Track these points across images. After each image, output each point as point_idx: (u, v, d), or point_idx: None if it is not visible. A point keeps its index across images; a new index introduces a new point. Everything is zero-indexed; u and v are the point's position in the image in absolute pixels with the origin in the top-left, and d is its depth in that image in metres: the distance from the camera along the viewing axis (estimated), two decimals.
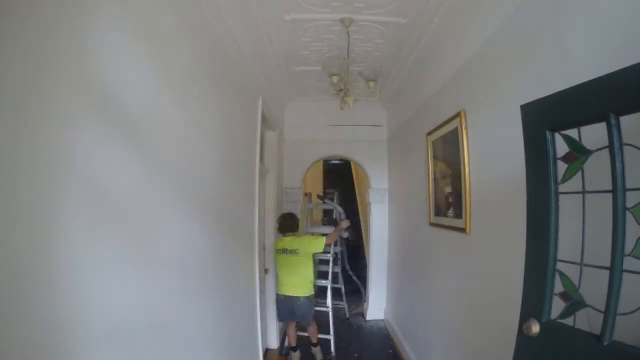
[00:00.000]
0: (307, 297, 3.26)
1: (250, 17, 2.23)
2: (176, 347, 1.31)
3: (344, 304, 4.73)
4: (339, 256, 4.41)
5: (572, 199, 1.12)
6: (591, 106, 1.02)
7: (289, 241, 3.29)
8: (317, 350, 3.49)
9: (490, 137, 1.91)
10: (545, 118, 1.19)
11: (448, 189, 2.47)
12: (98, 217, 0.88)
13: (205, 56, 1.68)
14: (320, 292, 3.81)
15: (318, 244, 3.25)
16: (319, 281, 3.80)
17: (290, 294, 3.24)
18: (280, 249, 3.30)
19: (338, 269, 4.86)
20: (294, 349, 3.44)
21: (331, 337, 3.60)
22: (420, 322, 3.14)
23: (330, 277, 3.87)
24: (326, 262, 4.08)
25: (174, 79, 1.34)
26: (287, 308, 3.31)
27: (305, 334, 3.55)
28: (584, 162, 1.08)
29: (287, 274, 3.25)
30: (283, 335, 3.96)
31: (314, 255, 3.34)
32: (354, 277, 5.13)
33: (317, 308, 3.60)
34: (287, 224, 3.38)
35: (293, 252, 3.22)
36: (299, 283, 3.24)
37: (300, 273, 3.23)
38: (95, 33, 0.88)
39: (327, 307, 3.70)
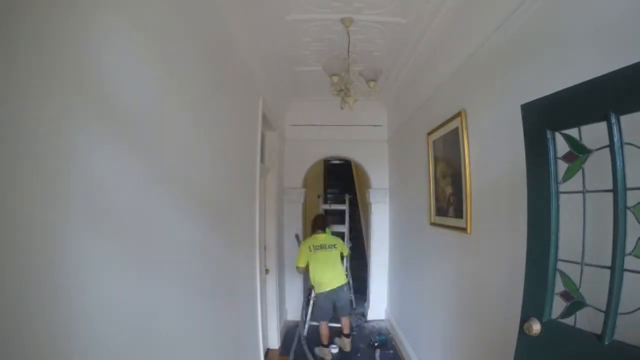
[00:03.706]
0: (347, 284, 3.55)
1: (250, 17, 2.23)
2: (177, 347, 1.31)
3: None
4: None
5: (573, 198, 1.12)
6: (591, 105, 1.02)
7: (325, 237, 3.56)
8: (348, 342, 3.63)
9: (490, 137, 1.91)
10: (545, 117, 1.19)
11: (449, 189, 2.46)
12: (98, 217, 0.88)
13: (206, 56, 1.68)
14: None
15: (346, 249, 3.76)
16: None
17: (334, 287, 3.39)
18: (317, 245, 3.48)
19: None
20: (326, 345, 3.52)
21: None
22: (421, 322, 3.14)
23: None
24: None
25: (174, 79, 1.34)
26: (329, 303, 3.45)
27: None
28: (584, 162, 1.08)
29: (329, 268, 3.42)
30: (285, 334, 3.97)
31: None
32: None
33: None
34: (322, 222, 3.71)
35: (332, 247, 3.52)
36: (341, 273, 3.49)
37: (339, 265, 3.52)
38: (95, 33, 0.88)
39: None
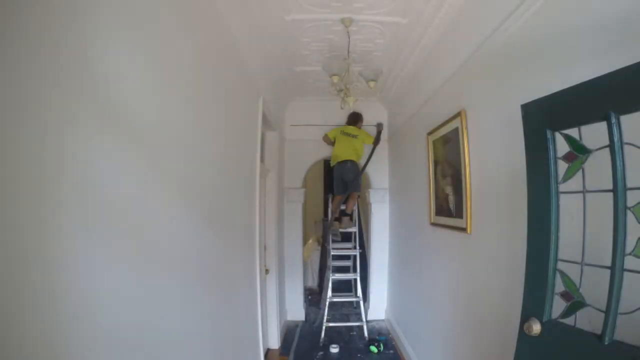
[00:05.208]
0: (353, 162, 4.15)
1: (250, 17, 2.23)
2: (176, 347, 1.32)
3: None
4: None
5: (573, 198, 1.12)
6: (591, 105, 1.03)
7: (352, 128, 4.20)
8: (348, 219, 4.35)
9: (490, 137, 1.91)
10: (545, 117, 1.19)
11: (449, 189, 2.46)
12: (97, 217, 0.88)
13: (206, 57, 1.68)
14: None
15: (369, 139, 4.26)
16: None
17: (343, 159, 4.09)
18: (346, 132, 4.17)
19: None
20: (338, 219, 4.42)
21: None
22: (421, 322, 3.14)
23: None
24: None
25: (174, 80, 1.34)
26: (340, 179, 4.19)
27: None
28: (584, 162, 1.08)
29: (345, 147, 4.13)
30: (285, 334, 3.97)
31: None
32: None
33: None
34: (353, 119, 4.24)
35: (354, 136, 4.16)
36: (352, 154, 4.14)
37: (353, 149, 4.15)
38: (96, 33, 0.88)
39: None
